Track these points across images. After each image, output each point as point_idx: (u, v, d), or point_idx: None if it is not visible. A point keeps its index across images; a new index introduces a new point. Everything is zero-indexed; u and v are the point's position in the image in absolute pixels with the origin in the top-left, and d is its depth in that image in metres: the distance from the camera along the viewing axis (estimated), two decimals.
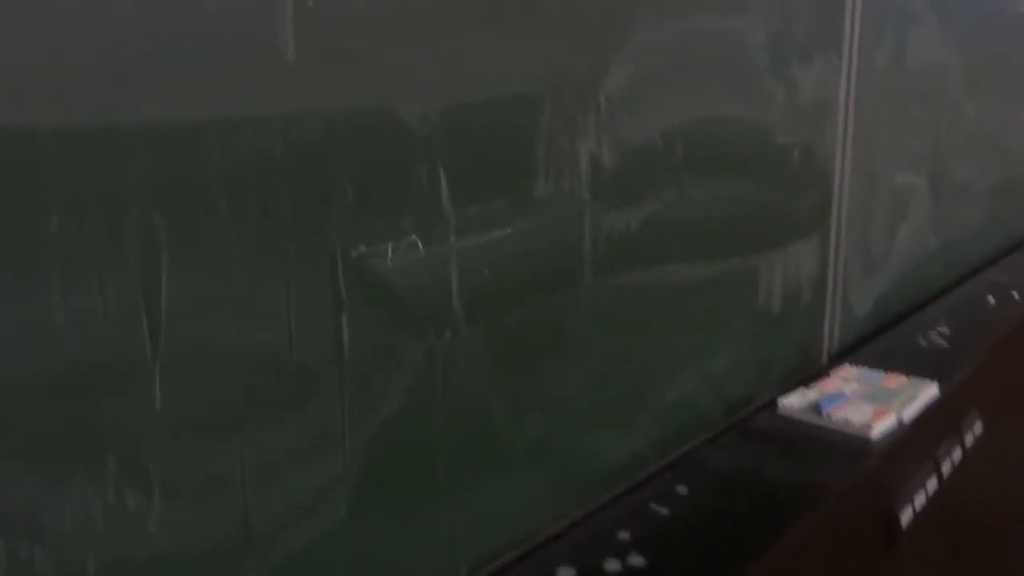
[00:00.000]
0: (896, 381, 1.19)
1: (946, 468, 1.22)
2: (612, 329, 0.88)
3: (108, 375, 0.49)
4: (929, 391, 1.16)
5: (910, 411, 1.10)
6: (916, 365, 1.30)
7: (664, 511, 0.86)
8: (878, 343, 1.42)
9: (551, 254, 0.79)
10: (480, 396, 0.73)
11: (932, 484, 1.17)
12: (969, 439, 1.33)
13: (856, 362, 1.30)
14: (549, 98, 0.76)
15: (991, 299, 1.70)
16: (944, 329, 1.50)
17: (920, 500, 1.13)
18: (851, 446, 1.02)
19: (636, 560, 0.77)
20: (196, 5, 0.51)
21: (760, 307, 1.14)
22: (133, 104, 0.49)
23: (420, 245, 0.66)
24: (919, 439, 1.13)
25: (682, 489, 0.89)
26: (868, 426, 1.03)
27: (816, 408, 1.08)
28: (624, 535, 0.81)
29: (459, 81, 0.68)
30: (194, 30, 0.51)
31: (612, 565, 0.76)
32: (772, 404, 1.12)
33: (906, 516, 1.07)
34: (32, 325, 0.45)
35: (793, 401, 1.11)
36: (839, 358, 1.38)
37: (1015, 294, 1.73)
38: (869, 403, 1.11)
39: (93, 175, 0.47)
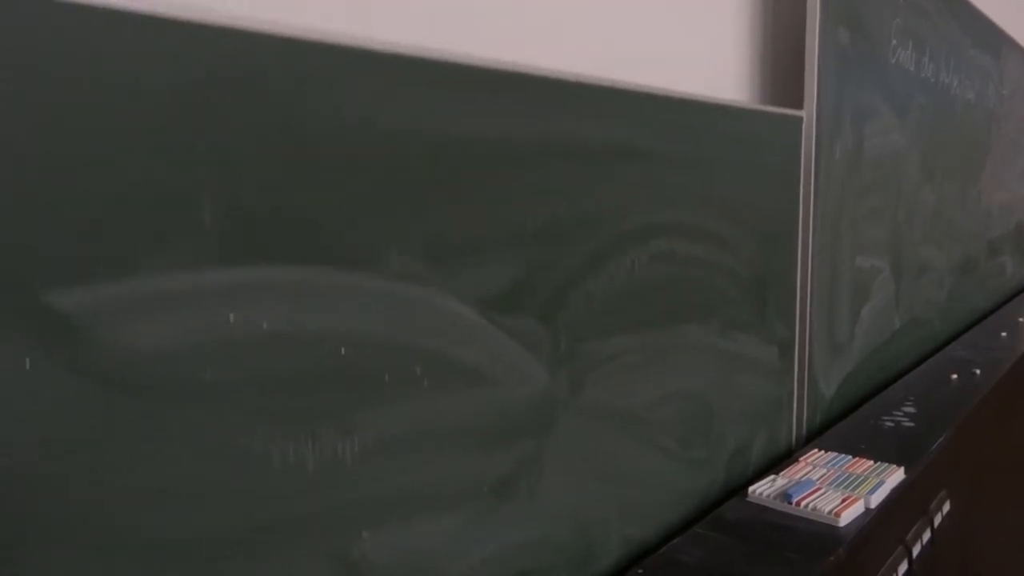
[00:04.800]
0: (863, 466, 1.22)
1: (916, 550, 1.24)
2: None
3: None
4: (895, 475, 1.18)
5: (877, 497, 1.12)
6: (882, 447, 1.33)
7: None
8: (845, 425, 1.45)
9: None
10: None
11: (903, 567, 1.19)
12: (938, 519, 1.36)
13: (824, 446, 1.33)
14: None
15: (954, 376, 1.74)
16: (910, 408, 1.54)
17: None
18: (820, 534, 1.04)
19: None
20: None
21: (733, 396, 1.17)
22: None
23: None
24: (888, 524, 1.16)
25: None
26: (836, 514, 1.05)
27: (786, 496, 1.10)
28: None
29: None
30: None
31: None
32: (743, 491, 1.14)
33: None
34: None
35: (763, 489, 1.13)
36: (808, 441, 1.41)
37: (977, 371, 1.77)
38: (837, 490, 1.13)
39: None
